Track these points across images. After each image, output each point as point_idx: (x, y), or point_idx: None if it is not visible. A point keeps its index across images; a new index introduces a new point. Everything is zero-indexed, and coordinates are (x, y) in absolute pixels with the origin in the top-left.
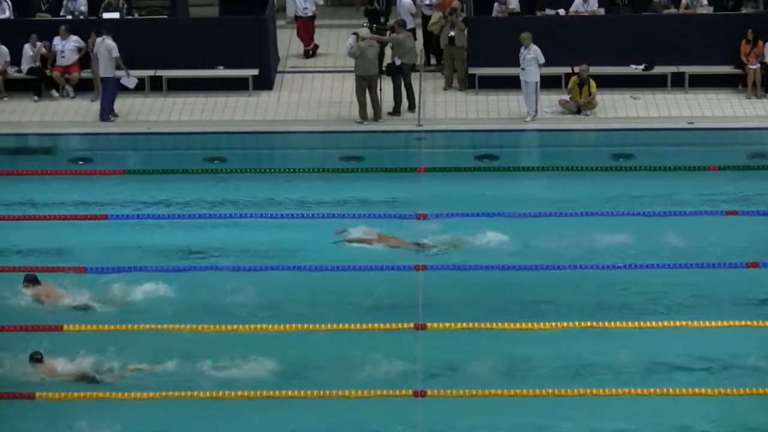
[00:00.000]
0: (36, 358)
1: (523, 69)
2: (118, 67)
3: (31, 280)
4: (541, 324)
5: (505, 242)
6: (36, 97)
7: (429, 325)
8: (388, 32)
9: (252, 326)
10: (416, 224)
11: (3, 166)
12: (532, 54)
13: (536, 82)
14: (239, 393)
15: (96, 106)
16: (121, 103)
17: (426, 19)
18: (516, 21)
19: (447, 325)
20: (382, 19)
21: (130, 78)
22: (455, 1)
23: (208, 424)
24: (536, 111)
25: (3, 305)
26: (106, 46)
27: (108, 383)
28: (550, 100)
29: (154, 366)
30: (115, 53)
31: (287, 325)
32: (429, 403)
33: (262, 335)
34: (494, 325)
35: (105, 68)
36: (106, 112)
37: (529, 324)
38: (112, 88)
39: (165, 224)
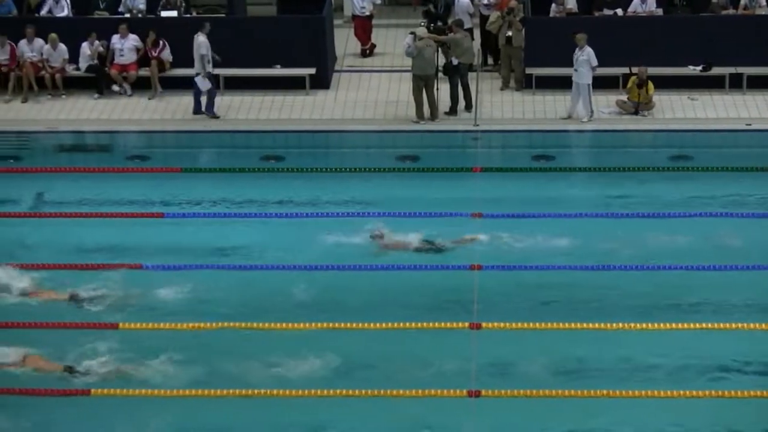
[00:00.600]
0: None
1: (576, 70)
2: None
3: None
4: (596, 324)
5: (559, 242)
6: (97, 95)
7: (484, 324)
8: (446, 32)
9: (309, 324)
10: (471, 223)
11: (61, 163)
12: (585, 56)
13: (588, 84)
14: (296, 391)
15: (152, 104)
16: (177, 102)
17: (484, 18)
18: (573, 21)
19: (502, 324)
20: (439, 21)
21: (204, 81)
22: (513, 1)
23: (265, 421)
24: (592, 111)
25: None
26: (197, 42)
27: (160, 381)
28: (608, 101)
29: (208, 363)
30: (202, 51)
31: (344, 324)
32: (483, 403)
33: (318, 333)
34: (549, 325)
35: (197, 65)
36: (209, 109)
37: (584, 324)
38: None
39: (221, 222)
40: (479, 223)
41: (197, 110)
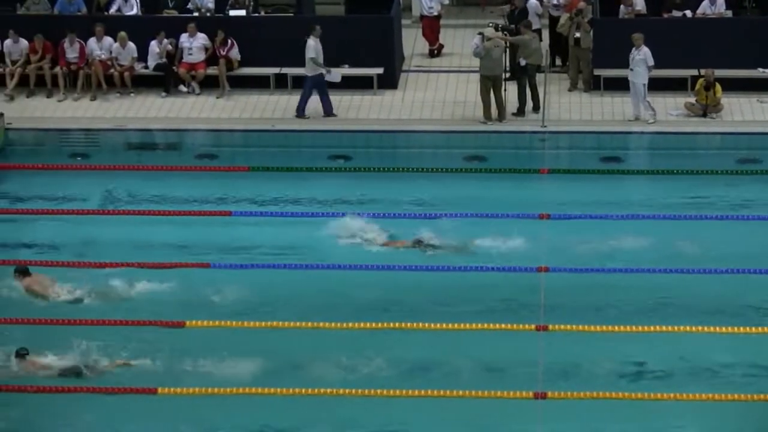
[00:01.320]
0: (21, 354)
1: (631, 69)
2: (316, 67)
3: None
4: (663, 327)
5: (626, 244)
6: (164, 93)
7: (550, 326)
8: (514, 33)
9: (374, 324)
10: (538, 225)
11: (129, 161)
12: (641, 55)
13: (644, 84)
14: (361, 390)
15: (220, 102)
16: (245, 100)
17: (553, 20)
18: (642, 22)
19: (568, 326)
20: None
21: (332, 73)
22: (581, 2)
23: (331, 420)
24: (653, 110)
25: (150, 299)
26: (307, 46)
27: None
28: (676, 103)
29: (275, 362)
30: (310, 53)
31: (409, 324)
32: (549, 405)
33: (384, 334)
34: (615, 327)
35: (306, 67)
36: (300, 111)
37: (650, 327)
38: (309, 87)
39: (288, 222)
40: (546, 225)
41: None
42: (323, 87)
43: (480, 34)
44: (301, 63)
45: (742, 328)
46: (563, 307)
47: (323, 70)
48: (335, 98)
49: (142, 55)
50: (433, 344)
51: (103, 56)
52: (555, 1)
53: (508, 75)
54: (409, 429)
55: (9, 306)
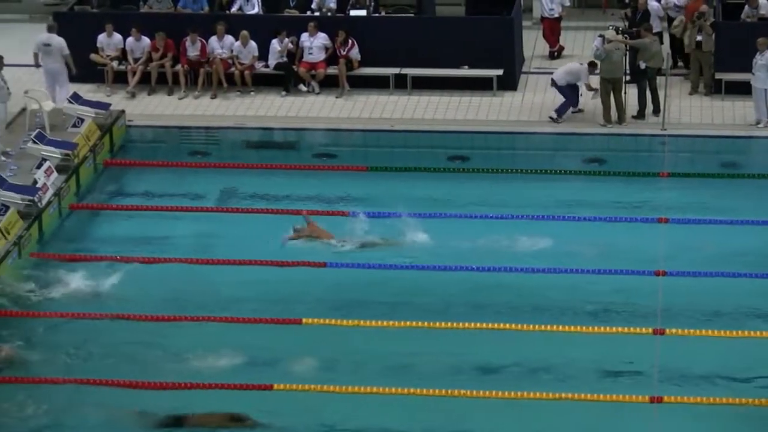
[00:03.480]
0: None
1: (753, 74)
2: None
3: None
4: None
5: (745, 249)
6: (284, 92)
7: (668, 330)
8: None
9: (485, 325)
10: (657, 228)
11: (249, 159)
12: (765, 60)
13: (765, 90)
14: (475, 392)
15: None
16: (364, 100)
17: (672, 22)
18: (765, 26)
19: (686, 331)
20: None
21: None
22: (703, 5)
23: (447, 419)
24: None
25: (264, 297)
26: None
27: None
28: None
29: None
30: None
31: (524, 326)
32: (665, 410)
33: (494, 334)
34: (734, 333)
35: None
36: (559, 113)
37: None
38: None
39: (406, 221)
40: (665, 228)
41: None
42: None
43: (601, 36)
44: (421, 63)
45: None
46: (681, 311)
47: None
48: (454, 99)
49: (263, 54)
50: (546, 346)
51: (224, 54)
52: (676, 1)
53: (628, 78)
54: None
55: None
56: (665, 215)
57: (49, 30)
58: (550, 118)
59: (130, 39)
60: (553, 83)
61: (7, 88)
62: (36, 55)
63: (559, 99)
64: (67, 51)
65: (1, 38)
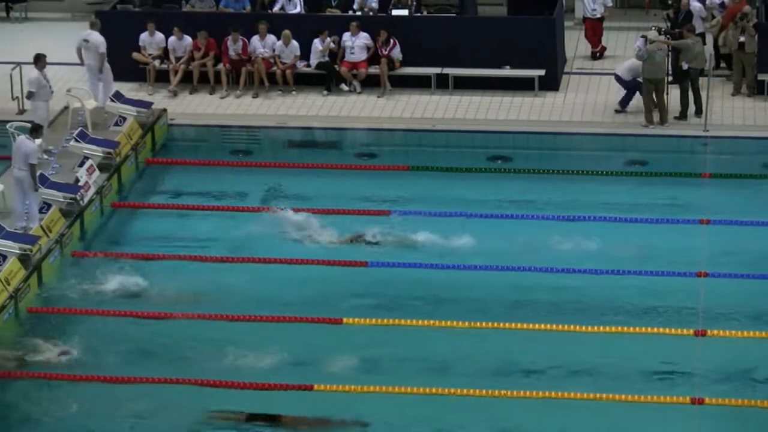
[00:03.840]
0: None
1: None
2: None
3: None
4: None
5: None
6: (325, 92)
7: (709, 331)
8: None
9: (532, 326)
10: (698, 230)
11: (290, 158)
12: None
13: None
14: (507, 392)
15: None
16: (406, 100)
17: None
18: None
19: (727, 332)
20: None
21: None
22: (746, 6)
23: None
24: None
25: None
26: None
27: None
28: None
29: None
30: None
31: (565, 326)
32: (706, 411)
33: (541, 335)
34: None
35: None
36: (623, 105)
37: None
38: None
39: (447, 221)
40: (706, 230)
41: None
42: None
43: (643, 36)
44: (463, 63)
45: None
46: (722, 313)
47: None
48: (496, 99)
49: (305, 53)
50: (586, 347)
51: (266, 54)
52: (720, 1)
53: (670, 78)
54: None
55: None
56: (707, 216)
57: (92, 27)
58: (616, 111)
59: (172, 38)
60: (618, 79)
61: (49, 87)
62: (79, 51)
63: (606, 97)
64: (103, 49)
65: (45, 37)
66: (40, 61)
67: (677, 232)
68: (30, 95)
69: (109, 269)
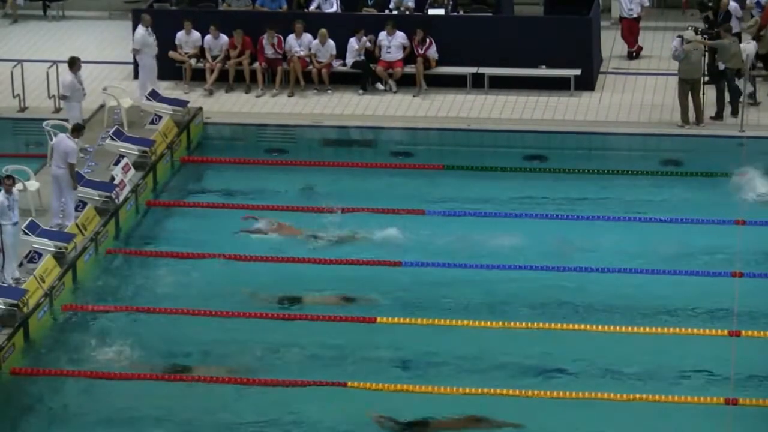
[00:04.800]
0: None
1: None
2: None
3: None
4: None
5: None
6: (361, 91)
7: (743, 332)
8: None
9: (560, 325)
10: (734, 230)
11: (325, 157)
12: None
13: None
14: (539, 392)
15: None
16: (441, 99)
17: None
18: None
19: (762, 333)
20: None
21: None
22: None
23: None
24: None
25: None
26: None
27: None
28: None
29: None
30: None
31: (598, 326)
32: (740, 412)
33: (570, 334)
34: None
35: None
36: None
37: None
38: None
39: (483, 221)
40: (742, 230)
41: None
42: None
43: (679, 36)
44: (499, 62)
45: None
46: (757, 313)
47: None
48: (531, 99)
49: (341, 53)
50: (623, 347)
51: (302, 53)
52: (760, 1)
53: (707, 78)
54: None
55: None
56: (742, 217)
57: (144, 23)
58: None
59: (208, 37)
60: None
61: (83, 89)
62: (137, 50)
63: (642, 97)
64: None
65: (81, 35)
66: (75, 64)
67: (713, 232)
68: (64, 98)
69: (143, 267)
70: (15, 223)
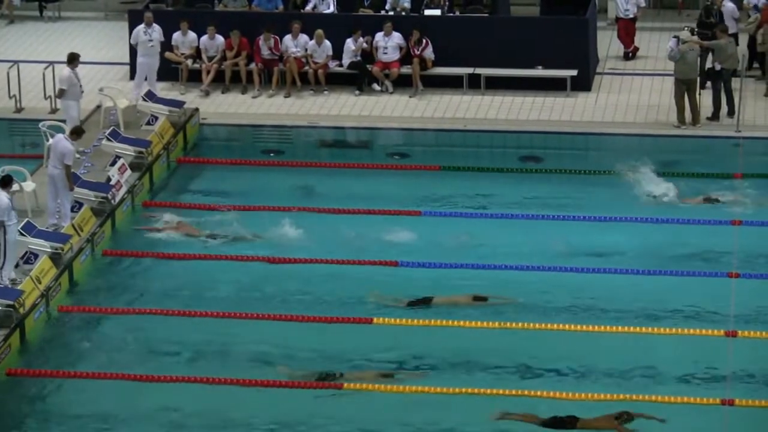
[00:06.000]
0: None
1: None
2: None
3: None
4: None
5: None
6: (357, 91)
7: (740, 332)
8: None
9: (555, 325)
10: (730, 230)
11: (321, 158)
12: None
13: None
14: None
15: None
16: (438, 100)
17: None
18: None
19: (758, 333)
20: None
21: None
22: None
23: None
24: None
25: (335, 297)
26: None
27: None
28: None
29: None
30: None
31: (594, 327)
32: (736, 412)
33: (568, 335)
34: None
35: None
36: None
37: None
38: None
39: (478, 222)
40: (738, 231)
41: None
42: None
43: (676, 37)
44: (495, 63)
45: None
46: (754, 314)
47: None
48: (528, 99)
49: (337, 53)
50: (621, 348)
51: (298, 53)
52: (755, 1)
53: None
54: None
55: None
56: (739, 217)
57: (147, 23)
58: None
59: (204, 37)
60: None
61: (80, 86)
62: (136, 47)
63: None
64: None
65: (77, 36)
66: (73, 60)
67: (709, 233)
68: (61, 93)
69: (139, 268)
70: (16, 223)
